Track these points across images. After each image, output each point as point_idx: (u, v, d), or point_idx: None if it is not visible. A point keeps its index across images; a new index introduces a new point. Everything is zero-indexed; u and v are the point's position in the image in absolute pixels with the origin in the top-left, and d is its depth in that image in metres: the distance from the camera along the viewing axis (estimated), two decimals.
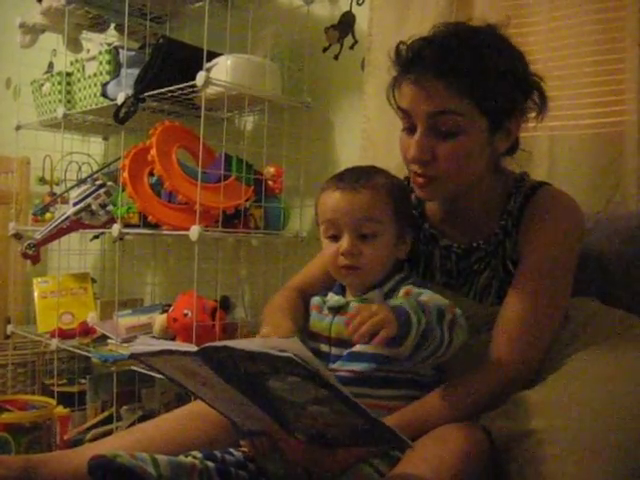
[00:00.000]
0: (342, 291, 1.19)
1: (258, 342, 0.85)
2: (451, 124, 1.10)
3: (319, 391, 0.84)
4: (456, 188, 1.18)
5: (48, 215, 2.42)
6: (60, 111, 2.28)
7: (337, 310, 1.16)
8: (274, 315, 1.21)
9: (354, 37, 2.02)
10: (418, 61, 1.11)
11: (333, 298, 1.18)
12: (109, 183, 2.09)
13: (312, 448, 0.98)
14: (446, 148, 1.12)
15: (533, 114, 1.19)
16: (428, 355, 0.99)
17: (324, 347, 1.15)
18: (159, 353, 0.95)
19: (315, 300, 1.23)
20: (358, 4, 2.01)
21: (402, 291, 1.10)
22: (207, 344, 0.87)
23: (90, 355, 2.06)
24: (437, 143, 1.12)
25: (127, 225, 1.98)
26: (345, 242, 1.12)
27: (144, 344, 0.98)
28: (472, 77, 1.08)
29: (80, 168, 2.51)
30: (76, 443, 1.94)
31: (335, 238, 1.14)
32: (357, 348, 1.09)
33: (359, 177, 1.15)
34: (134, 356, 0.99)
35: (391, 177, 1.18)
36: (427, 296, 1.05)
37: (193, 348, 0.89)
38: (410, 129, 1.15)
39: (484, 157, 1.16)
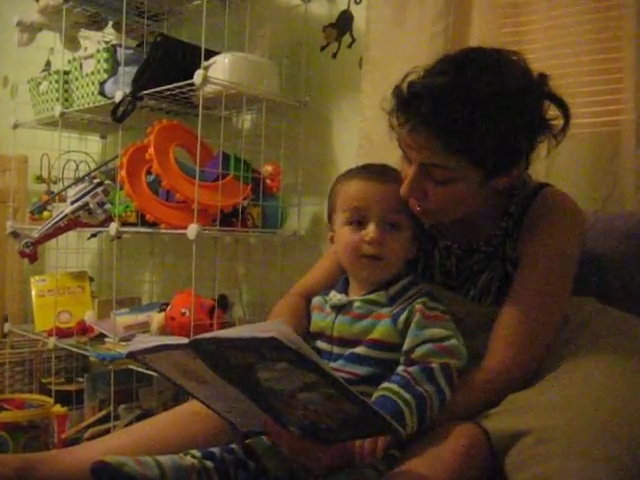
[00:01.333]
0: (345, 289, 1.19)
1: (244, 328, 0.86)
2: (443, 175, 1.08)
3: (307, 376, 0.84)
4: (453, 218, 1.19)
5: (45, 214, 2.41)
6: (57, 109, 2.28)
7: (340, 309, 1.16)
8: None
9: (352, 36, 2.02)
10: (413, 111, 1.06)
11: (336, 297, 1.18)
12: (107, 182, 2.09)
13: (307, 442, 0.97)
14: (437, 192, 1.11)
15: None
16: (437, 411, 1.01)
17: (326, 346, 1.15)
18: (155, 349, 0.95)
19: (316, 300, 1.23)
20: (356, 3, 2.01)
21: (419, 308, 1.08)
22: (197, 336, 0.88)
23: (88, 354, 2.05)
24: (429, 186, 1.11)
25: (125, 224, 1.98)
26: (372, 231, 1.12)
27: (141, 342, 0.99)
28: (467, 138, 1.03)
29: (78, 166, 2.50)
30: (74, 442, 1.94)
31: (359, 225, 1.14)
32: (360, 350, 1.09)
33: (384, 171, 1.17)
34: (131, 355, 0.99)
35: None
36: (432, 328, 1.06)
37: (185, 340, 0.89)
38: (408, 159, 1.14)
39: (480, 195, 1.14)
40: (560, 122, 1.11)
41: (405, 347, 1.06)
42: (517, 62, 1.09)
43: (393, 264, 1.14)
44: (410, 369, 1.03)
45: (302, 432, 0.97)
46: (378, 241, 1.12)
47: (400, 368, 1.05)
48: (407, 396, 0.99)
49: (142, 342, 0.98)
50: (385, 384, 1.02)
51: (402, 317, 1.08)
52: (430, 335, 1.06)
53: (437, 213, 1.15)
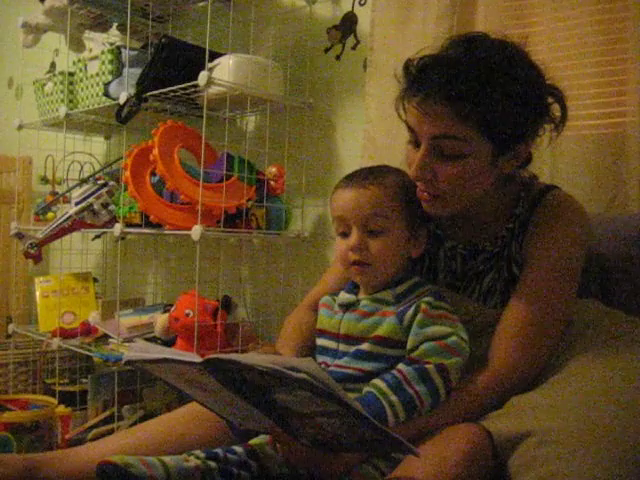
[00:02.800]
0: (354, 289, 1.20)
1: (269, 359, 0.84)
2: (454, 148, 1.09)
3: (329, 405, 0.84)
4: (461, 206, 1.18)
5: (50, 214, 2.42)
6: (62, 110, 2.28)
7: (347, 307, 1.16)
8: (284, 345, 1.26)
9: (356, 37, 2.02)
10: (425, 82, 1.08)
11: (344, 295, 1.19)
12: (111, 183, 2.09)
13: (315, 451, 0.98)
14: (447, 170, 1.11)
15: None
16: (431, 407, 1.03)
17: (332, 343, 1.16)
18: (157, 361, 0.95)
19: (325, 299, 1.24)
20: (360, 4, 2.01)
21: (422, 308, 1.08)
22: (213, 355, 0.85)
23: (91, 354, 2.06)
24: (439, 164, 1.11)
25: (129, 225, 1.99)
26: (353, 237, 1.13)
27: (141, 350, 0.98)
28: (479, 105, 1.05)
29: (82, 168, 2.51)
30: (77, 442, 1.94)
31: (345, 235, 1.15)
32: (365, 347, 1.10)
33: (368, 175, 1.16)
34: (129, 363, 0.98)
35: (403, 176, 1.18)
36: (433, 326, 1.07)
37: (197, 358, 0.87)
38: (415, 143, 1.14)
39: (488, 178, 1.14)
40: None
41: (408, 346, 1.07)
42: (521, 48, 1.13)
43: (382, 267, 1.14)
44: (404, 369, 1.04)
45: (312, 444, 0.98)
46: (359, 247, 1.13)
47: (398, 367, 1.05)
48: (393, 398, 1.01)
49: (142, 350, 0.97)
50: (376, 381, 1.04)
51: (408, 315, 1.08)
52: (431, 333, 1.06)
53: (446, 197, 1.14)
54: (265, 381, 0.85)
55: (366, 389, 1.04)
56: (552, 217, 1.17)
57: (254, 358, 0.83)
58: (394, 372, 1.04)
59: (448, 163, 1.10)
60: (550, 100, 1.14)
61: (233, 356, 0.84)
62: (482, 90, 1.04)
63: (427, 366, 1.03)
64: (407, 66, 1.14)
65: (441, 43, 1.14)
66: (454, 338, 1.06)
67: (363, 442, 0.93)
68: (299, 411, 0.90)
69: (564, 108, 1.14)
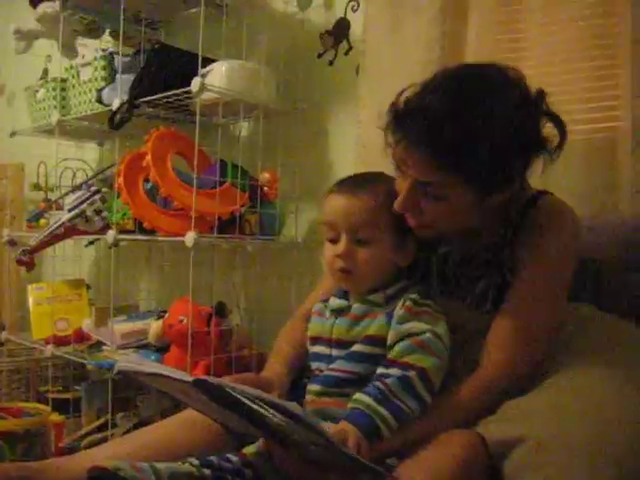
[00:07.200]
0: (345, 294, 1.20)
1: (255, 394, 0.87)
2: (436, 192, 1.08)
3: (313, 436, 0.87)
4: (449, 232, 1.19)
5: (42, 221, 2.41)
6: (55, 117, 2.28)
7: (339, 312, 1.16)
8: (275, 357, 1.27)
9: (349, 43, 2.03)
10: (407, 130, 1.07)
11: (335, 301, 1.19)
12: (104, 189, 2.09)
13: (309, 466, 0.99)
14: (431, 207, 1.11)
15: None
16: (418, 412, 1.03)
17: (325, 349, 1.16)
18: (148, 375, 0.96)
19: (316, 306, 1.24)
20: (353, 10, 2.02)
21: (406, 305, 1.09)
22: (203, 378, 0.87)
23: (85, 362, 2.05)
24: (423, 200, 1.11)
25: (122, 231, 1.98)
26: (341, 245, 1.13)
27: (133, 362, 0.99)
28: (460, 157, 1.03)
29: (75, 174, 2.51)
30: (71, 450, 1.93)
31: (334, 241, 1.15)
32: (357, 347, 1.10)
33: (360, 182, 1.17)
34: (121, 373, 0.99)
35: (394, 184, 1.17)
36: (413, 324, 1.07)
37: (187, 377, 0.89)
38: (402, 174, 1.13)
39: (475, 212, 1.14)
40: (556, 139, 1.11)
41: (388, 342, 1.08)
42: (515, 80, 1.08)
43: (368, 275, 1.15)
44: (387, 380, 1.03)
45: (304, 460, 0.99)
46: (346, 255, 1.13)
47: (378, 371, 1.05)
48: (383, 411, 1.00)
49: (135, 363, 0.99)
50: (360, 396, 1.03)
51: (395, 312, 1.09)
52: (407, 329, 1.07)
53: (433, 227, 1.15)
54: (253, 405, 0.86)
55: (351, 405, 1.03)
56: (543, 223, 1.17)
57: (239, 389, 0.85)
58: (377, 384, 1.03)
59: (432, 202, 1.10)
60: (547, 122, 1.10)
61: (222, 382, 0.86)
62: (464, 145, 1.02)
63: (409, 374, 1.03)
64: (392, 109, 1.11)
65: (429, 77, 1.10)
66: (428, 335, 1.06)
67: (348, 469, 0.95)
68: (288, 436, 0.91)
69: (563, 137, 1.11)
